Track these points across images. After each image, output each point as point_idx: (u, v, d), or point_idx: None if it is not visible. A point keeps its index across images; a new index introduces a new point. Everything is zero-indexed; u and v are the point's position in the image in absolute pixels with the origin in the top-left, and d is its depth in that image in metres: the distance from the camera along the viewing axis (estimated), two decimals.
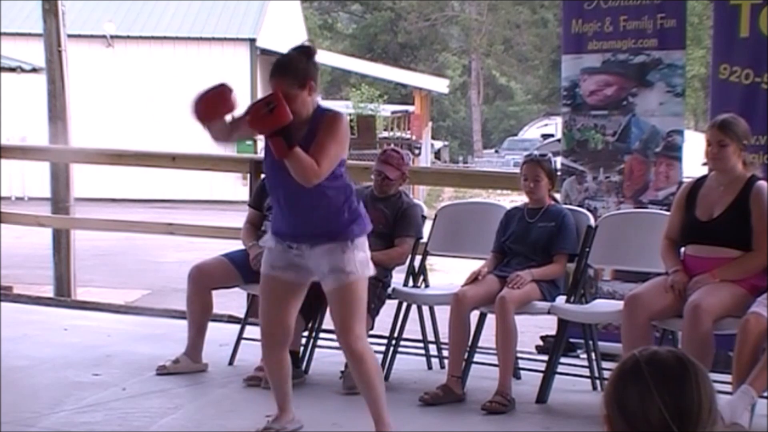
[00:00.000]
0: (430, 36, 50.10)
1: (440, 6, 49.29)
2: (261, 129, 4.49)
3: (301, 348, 6.11)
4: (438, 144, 40.88)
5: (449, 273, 9.20)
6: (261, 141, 5.01)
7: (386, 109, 34.94)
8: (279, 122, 4.39)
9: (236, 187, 22.19)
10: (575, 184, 6.88)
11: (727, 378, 4.94)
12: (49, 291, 9.58)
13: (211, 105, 4.58)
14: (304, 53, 4.59)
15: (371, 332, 5.99)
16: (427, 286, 6.36)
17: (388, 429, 4.70)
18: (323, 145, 4.47)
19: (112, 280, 12.37)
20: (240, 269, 6.15)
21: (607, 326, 6.32)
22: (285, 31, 29.22)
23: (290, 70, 4.52)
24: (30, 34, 20.55)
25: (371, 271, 4.69)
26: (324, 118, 4.56)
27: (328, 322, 6.39)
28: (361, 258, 4.59)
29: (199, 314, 6.21)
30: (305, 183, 4.47)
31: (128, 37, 26.26)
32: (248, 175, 7.95)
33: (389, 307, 6.13)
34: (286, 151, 4.42)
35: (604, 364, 5.73)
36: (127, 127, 24.18)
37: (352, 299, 4.59)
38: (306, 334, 6.13)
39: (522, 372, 6.05)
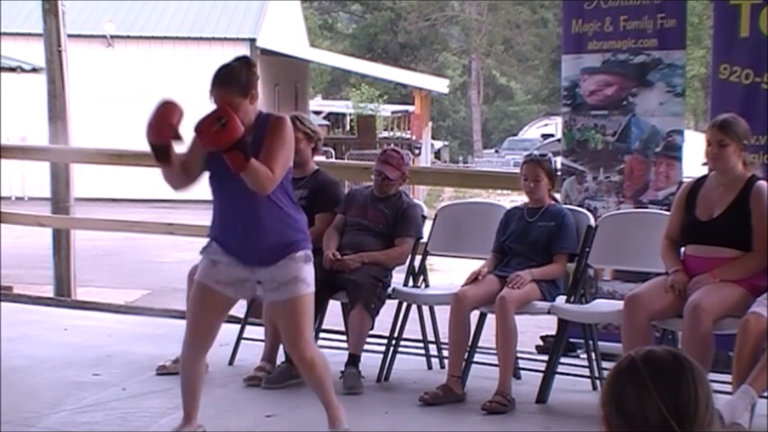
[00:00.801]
0: (430, 36, 50.10)
1: (440, 6, 49.29)
2: (217, 145, 4.38)
3: None
4: (438, 144, 40.90)
5: (449, 273, 9.19)
6: None
7: (386, 109, 35.04)
8: (233, 136, 4.32)
9: None
10: (575, 184, 6.87)
11: (727, 378, 4.93)
12: (49, 291, 9.58)
13: (160, 120, 4.47)
14: (243, 63, 4.57)
15: (371, 332, 6.00)
16: (427, 286, 6.35)
17: (338, 410, 4.67)
18: (273, 151, 4.45)
19: (112, 280, 12.36)
20: None
21: (607, 326, 6.31)
22: (285, 31, 29.22)
23: (233, 80, 4.49)
24: (30, 34, 20.52)
25: None
26: (269, 122, 4.52)
27: (328, 322, 6.41)
28: (312, 270, 4.62)
29: None
30: (262, 192, 4.43)
31: (128, 37, 26.23)
32: None
33: (389, 307, 6.13)
34: (245, 163, 4.35)
35: (604, 364, 5.72)
36: (127, 127, 24.08)
37: (304, 309, 4.58)
38: None
39: (522, 372, 6.04)
